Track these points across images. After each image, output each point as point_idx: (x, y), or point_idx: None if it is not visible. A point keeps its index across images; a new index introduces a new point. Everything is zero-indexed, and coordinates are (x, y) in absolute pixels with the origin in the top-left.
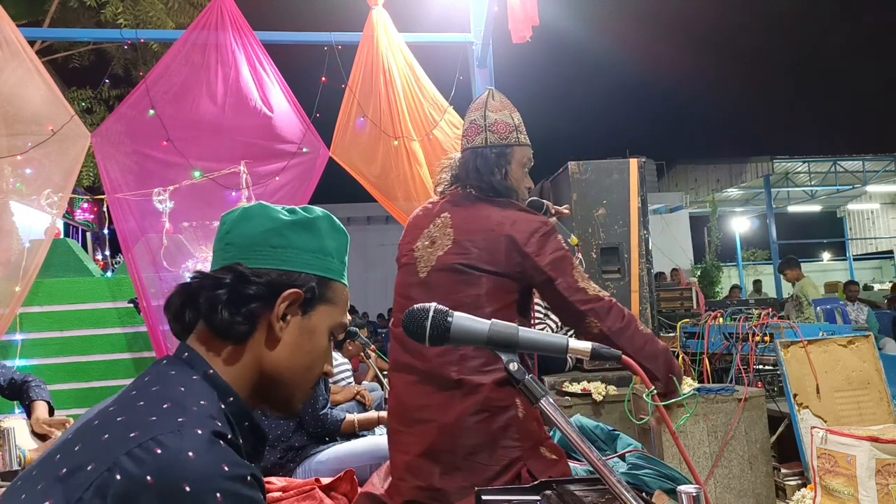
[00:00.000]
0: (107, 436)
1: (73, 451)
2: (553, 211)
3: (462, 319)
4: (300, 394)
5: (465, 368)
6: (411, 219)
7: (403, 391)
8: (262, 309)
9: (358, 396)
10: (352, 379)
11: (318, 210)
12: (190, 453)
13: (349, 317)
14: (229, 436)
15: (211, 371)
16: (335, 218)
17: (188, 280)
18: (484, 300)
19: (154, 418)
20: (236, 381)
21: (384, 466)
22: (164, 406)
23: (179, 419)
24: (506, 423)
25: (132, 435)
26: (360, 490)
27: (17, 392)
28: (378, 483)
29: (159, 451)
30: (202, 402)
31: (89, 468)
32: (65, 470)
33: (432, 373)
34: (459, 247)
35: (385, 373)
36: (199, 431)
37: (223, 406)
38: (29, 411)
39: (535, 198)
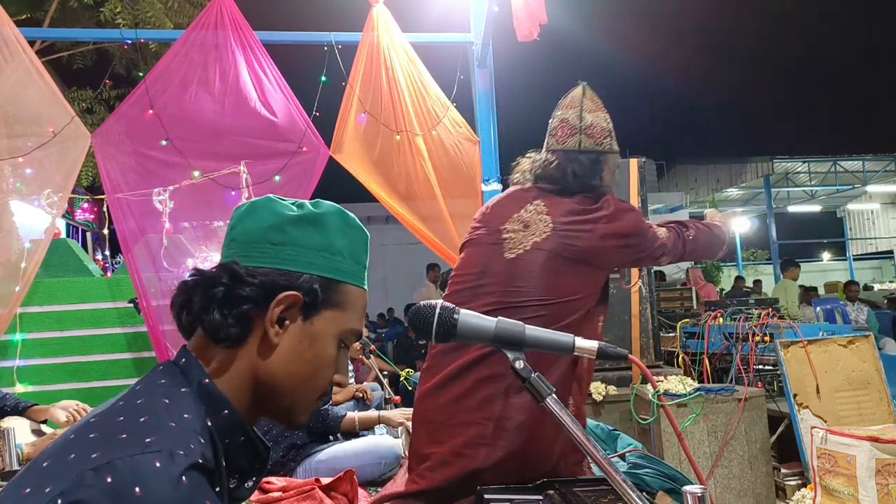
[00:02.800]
0: (73, 455)
1: (41, 468)
2: None
3: (468, 317)
4: (302, 405)
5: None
6: (495, 200)
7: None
8: (256, 311)
9: (358, 393)
10: (352, 380)
11: (328, 205)
12: (137, 489)
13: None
14: (201, 461)
15: (206, 381)
16: (351, 214)
17: (187, 278)
18: (580, 288)
19: (124, 436)
20: (233, 391)
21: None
22: (141, 420)
23: (148, 440)
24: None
25: (93, 456)
26: (380, 492)
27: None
28: (400, 481)
29: (109, 480)
30: (186, 416)
31: (47, 490)
32: (28, 490)
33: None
34: (560, 236)
35: (385, 373)
36: (158, 464)
37: (210, 422)
38: (31, 417)
39: None
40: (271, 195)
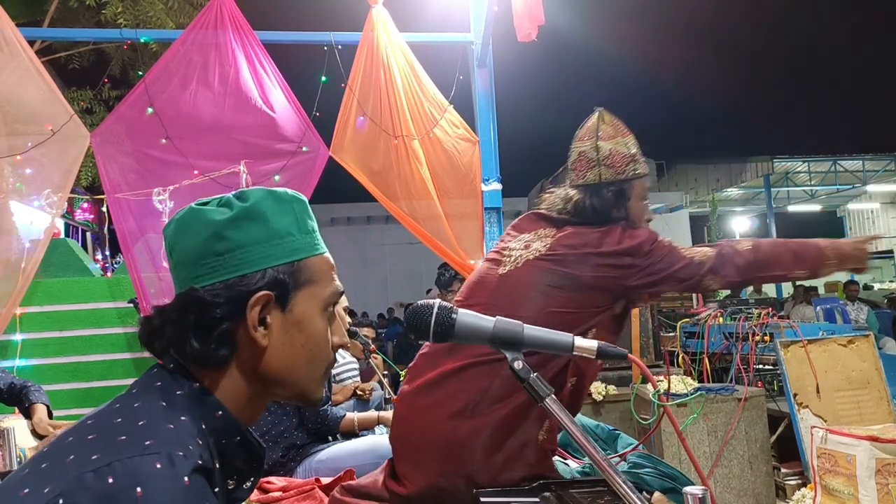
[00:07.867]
0: (72, 456)
1: (39, 469)
2: None
3: (466, 316)
4: (313, 384)
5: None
6: (514, 223)
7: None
8: (235, 324)
9: (357, 389)
10: (358, 379)
11: (255, 191)
12: (138, 489)
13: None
14: (200, 462)
15: (196, 385)
16: (277, 190)
17: (149, 316)
18: (566, 307)
19: (123, 438)
20: (228, 394)
21: None
22: (140, 423)
23: (147, 442)
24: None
25: (93, 457)
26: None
27: (16, 397)
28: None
29: (111, 481)
30: (182, 419)
31: (46, 490)
32: (27, 490)
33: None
34: (552, 258)
35: (385, 373)
36: (158, 465)
37: (204, 424)
38: (28, 414)
39: None
40: (192, 204)
